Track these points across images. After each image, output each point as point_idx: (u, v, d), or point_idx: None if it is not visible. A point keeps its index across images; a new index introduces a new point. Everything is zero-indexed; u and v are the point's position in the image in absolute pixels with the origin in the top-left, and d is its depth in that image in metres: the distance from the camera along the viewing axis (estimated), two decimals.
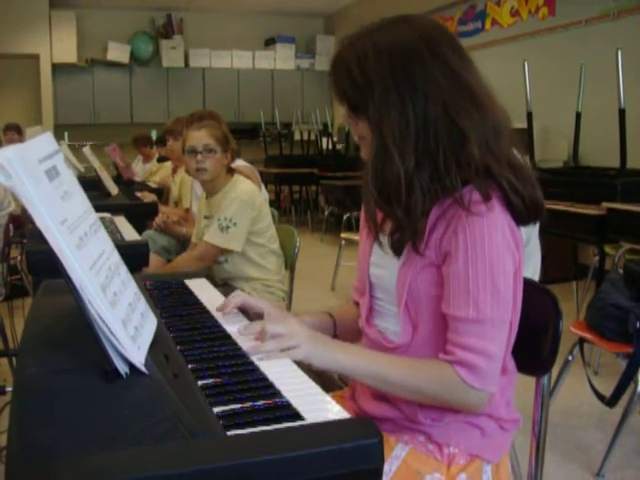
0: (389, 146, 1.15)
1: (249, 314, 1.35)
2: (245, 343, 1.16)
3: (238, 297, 1.36)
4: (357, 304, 1.44)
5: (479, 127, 1.15)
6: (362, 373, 1.15)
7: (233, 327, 1.25)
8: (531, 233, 2.07)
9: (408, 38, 1.16)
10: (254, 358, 1.09)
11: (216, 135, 2.69)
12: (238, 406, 0.91)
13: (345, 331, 1.44)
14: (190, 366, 1.05)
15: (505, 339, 1.15)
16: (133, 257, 1.61)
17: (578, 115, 4.69)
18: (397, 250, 1.21)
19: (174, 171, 4.79)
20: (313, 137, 9.41)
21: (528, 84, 4.56)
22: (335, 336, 1.42)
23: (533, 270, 2.09)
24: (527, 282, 1.22)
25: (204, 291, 1.54)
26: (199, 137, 2.67)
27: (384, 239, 1.24)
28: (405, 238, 1.18)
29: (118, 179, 4.92)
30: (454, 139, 1.14)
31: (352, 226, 6.12)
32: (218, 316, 1.34)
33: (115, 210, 3.27)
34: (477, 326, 1.11)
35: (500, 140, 1.17)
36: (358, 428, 0.83)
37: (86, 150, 4.48)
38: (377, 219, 1.24)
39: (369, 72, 1.16)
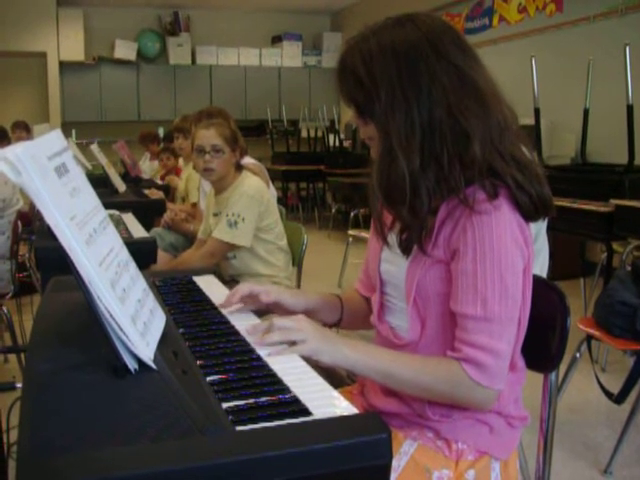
0: (394, 147, 1.15)
1: (258, 312, 1.36)
2: (253, 339, 1.16)
3: (245, 287, 1.36)
4: (360, 294, 1.48)
5: (484, 126, 1.14)
6: (370, 369, 1.15)
7: (242, 323, 1.26)
8: (539, 230, 2.06)
9: (413, 38, 1.16)
10: (262, 354, 1.09)
11: (224, 134, 2.68)
12: (247, 402, 0.91)
13: (351, 317, 1.47)
14: (199, 362, 1.05)
15: (513, 336, 1.15)
16: (141, 254, 1.61)
17: (586, 111, 4.67)
18: (405, 249, 1.21)
19: (177, 173, 4.81)
20: (320, 134, 9.41)
21: (535, 80, 4.54)
22: (341, 319, 1.45)
23: (541, 267, 2.09)
24: (535, 278, 1.21)
25: (212, 287, 1.54)
26: (207, 136, 2.66)
27: (392, 239, 1.24)
28: (413, 238, 1.18)
29: (125, 176, 4.94)
30: (458, 139, 1.13)
31: (359, 223, 6.11)
32: (227, 312, 1.34)
33: (123, 207, 3.28)
34: (485, 324, 1.11)
35: (506, 138, 1.17)
36: (366, 423, 0.83)
37: (94, 147, 4.49)
38: (383, 219, 1.24)
39: (375, 73, 1.15)
